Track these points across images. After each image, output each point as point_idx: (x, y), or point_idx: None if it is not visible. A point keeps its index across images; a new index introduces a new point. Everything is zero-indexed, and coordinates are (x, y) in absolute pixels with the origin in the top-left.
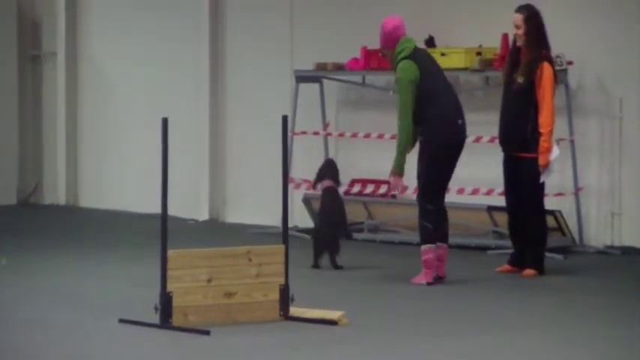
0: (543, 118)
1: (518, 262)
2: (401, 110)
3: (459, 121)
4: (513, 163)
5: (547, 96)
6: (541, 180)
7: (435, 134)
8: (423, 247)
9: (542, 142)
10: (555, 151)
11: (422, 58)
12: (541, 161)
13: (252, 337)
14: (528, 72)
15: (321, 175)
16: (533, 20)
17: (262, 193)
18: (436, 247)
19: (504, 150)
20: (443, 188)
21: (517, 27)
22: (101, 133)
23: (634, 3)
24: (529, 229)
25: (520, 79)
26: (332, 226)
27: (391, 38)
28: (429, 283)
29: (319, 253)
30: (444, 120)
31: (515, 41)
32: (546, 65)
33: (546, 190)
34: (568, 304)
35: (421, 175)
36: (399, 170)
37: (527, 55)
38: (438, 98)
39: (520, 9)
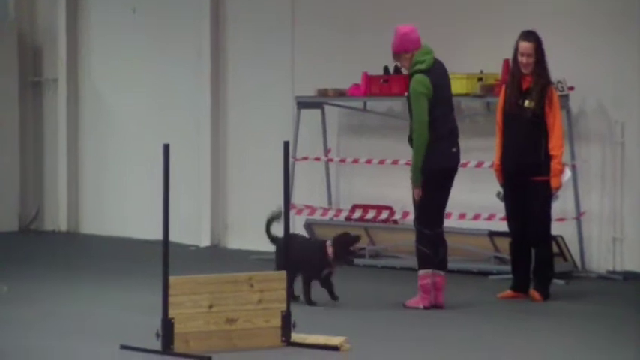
0: (555, 141)
1: (521, 287)
2: (416, 125)
3: (453, 149)
4: (523, 189)
5: (557, 119)
6: (552, 202)
7: (428, 161)
8: (421, 272)
9: (555, 165)
10: (567, 174)
11: (436, 78)
12: (554, 183)
13: None
14: (540, 97)
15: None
16: (541, 48)
17: (264, 219)
18: (432, 273)
19: (513, 176)
20: (439, 213)
21: (528, 55)
22: (102, 159)
23: (634, 28)
24: (538, 254)
25: (531, 105)
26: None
27: (408, 39)
28: (425, 307)
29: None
30: (437, 147)
31: (517, 69)
32: (554, 89)
33: None
34: (569, 329)
35: (416, 200)
36: (418, 184)
37: (539, 82)
38: (435, 124)
39: (528, 37)
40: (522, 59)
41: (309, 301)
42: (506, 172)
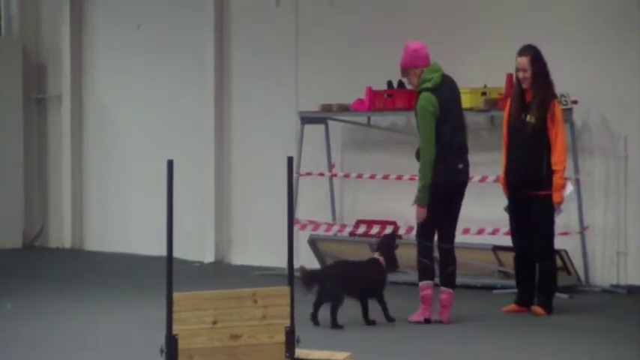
0: (557, 156)
1: (525, 301)
2: (423, 143)
3: (460, 165)
4: (527, 203)
5: (560, 134)
6: (555, 216)
7: (433, 175)
8: (421, 284)
9: (557, 180)
10: (569, 188)
11: (444, 96)
12: (556, 198)
13: None
14: (541, 112)
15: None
16: (539, 61)
17: (268, 235)
18: (433, 283)
19: (517, 191)
20: (445, 228)
21: (524, 70)
22: (106, 176)
23: (639, 41)
24: (541, 268)
25: (533, 120)
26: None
27: (418, 55)
28: (426, 320)
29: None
30: (442, 163)
31: (518, 83)
32: (557, 103)
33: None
34: (574, 344)
35: None
36: (425, 203)
37: (538, 96)
38: (444, 142)
39: (524, 52)
40: (519, 74)
41: (371, 321)
42: (510, 186)
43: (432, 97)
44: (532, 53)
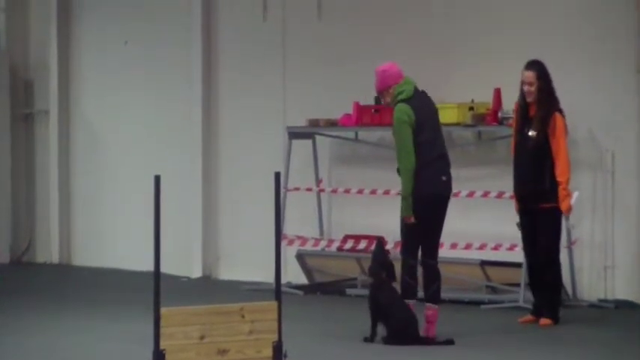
0: (560, 168)
1: (538, 311)
2: (401, 152)
3: (443, 178)
4: (532, 215)
5: (562, 146)
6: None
7: (415, 188)
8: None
9: (562, 190)
10: (574, 196)
11: (419, 106)
12: (563, 207)
13: None
14: (542, 126)
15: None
16: (545, 77)
17: (255, 250)
18: (415, 303)
19: (524, 204)
20: (429, 243)
21: (529, 84)
22: (94, 191)
23: (627, 56)
24: (546, 279)
25: (534, 134)
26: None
27: (388, 75)
28: None
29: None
30: (425, 175)
31: (523, 97)
32: (558, 116)
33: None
34: (563, 358)
35: (403, 229)
36: (409, 213)
37: (540, 110)
38: (423, 151)
39: (531, 66)
40: (524, 87)
41: None
42: (517, 200)
43: (406, 107)
44: (539, 68)
